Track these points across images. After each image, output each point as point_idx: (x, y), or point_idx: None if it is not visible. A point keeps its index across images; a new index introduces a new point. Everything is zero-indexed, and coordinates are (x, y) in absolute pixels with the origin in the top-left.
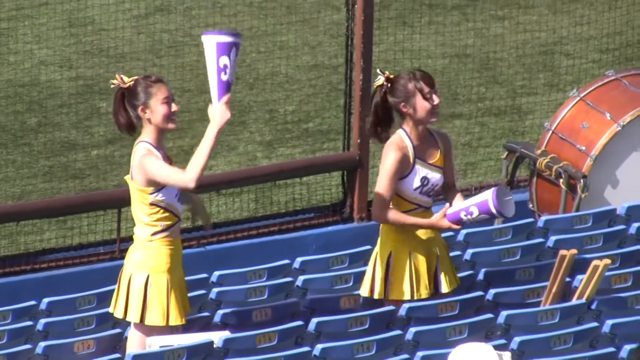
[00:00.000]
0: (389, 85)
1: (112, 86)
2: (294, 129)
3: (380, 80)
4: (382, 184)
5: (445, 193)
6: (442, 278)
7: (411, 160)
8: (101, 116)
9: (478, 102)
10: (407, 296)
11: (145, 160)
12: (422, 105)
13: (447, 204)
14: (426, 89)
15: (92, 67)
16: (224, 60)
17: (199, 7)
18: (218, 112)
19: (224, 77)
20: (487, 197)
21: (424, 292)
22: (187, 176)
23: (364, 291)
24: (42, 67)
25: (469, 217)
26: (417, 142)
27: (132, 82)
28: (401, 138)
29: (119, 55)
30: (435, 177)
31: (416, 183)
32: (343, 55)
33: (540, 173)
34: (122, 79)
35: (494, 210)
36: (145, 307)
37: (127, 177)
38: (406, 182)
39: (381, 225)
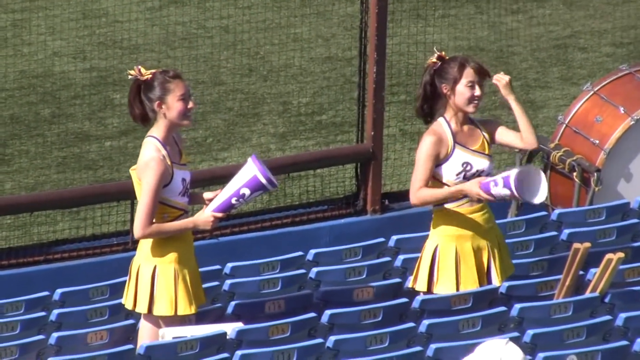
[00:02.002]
0: (440, 64)
1: (129, 77)
2: (307, 121)
3: (432, 58)
4: (416, 167)
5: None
6: (494, 271)
7: (450, 144)
8: (114, 107)
9: (492, 95)
10: (451, 291)
11: (146, 171)
12: (461, 92)
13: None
14: (470, 77)
15: (105, 59)
16: (246, 191)
17: (213, 0)
18: (203, 218)
19: (234, 201)
20: (511, 174)
21: (473, 287)
22: (140, 229)
23: (411, 282)
24: (55, 58)
25: (496, 188)
26: (457, 128)
27: (150, 76)
28: (439, 123)
29: (132, 47)
30: (480, 163)
31: (457, 168)
32: (357, 48)
33: (553, 166)
34: (139, 70)
35: (513, 189)
36: (152, 297)
37: (132, 169)
38: (447, 168)
39: (433, 216)
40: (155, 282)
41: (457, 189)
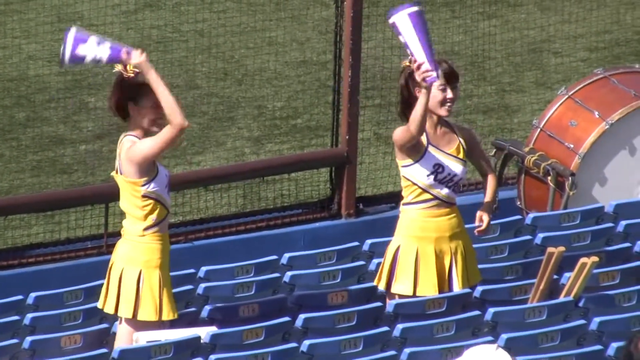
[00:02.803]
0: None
1: (114, 70)
2: (282, 125)
3: (405, 61)
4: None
5: (483, 182)
6: (455, 276)
7: (423, 143)
8: (89, 111)
9: (466, 99)
10: (408, 292)
11: (132, 150)
12: (433, 95)
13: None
14: (442, 80)
15: None
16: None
17: (188, 3)
18: (141, 62)
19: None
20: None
21: (430, 291)
22: (174, 122)
23: (375, 279)
24: (30, 61)
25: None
26: (431, 130)
27: (132, 75)
28: None
29: None
30: (453, 166)
31: (429, 169)
32: (332, 52)
33: (528, 170)
34: (126, 67)
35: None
36: (137, 302)
37: (113, 174)
38: (418, 168)
39: (400, 215)
40: (140, 286)
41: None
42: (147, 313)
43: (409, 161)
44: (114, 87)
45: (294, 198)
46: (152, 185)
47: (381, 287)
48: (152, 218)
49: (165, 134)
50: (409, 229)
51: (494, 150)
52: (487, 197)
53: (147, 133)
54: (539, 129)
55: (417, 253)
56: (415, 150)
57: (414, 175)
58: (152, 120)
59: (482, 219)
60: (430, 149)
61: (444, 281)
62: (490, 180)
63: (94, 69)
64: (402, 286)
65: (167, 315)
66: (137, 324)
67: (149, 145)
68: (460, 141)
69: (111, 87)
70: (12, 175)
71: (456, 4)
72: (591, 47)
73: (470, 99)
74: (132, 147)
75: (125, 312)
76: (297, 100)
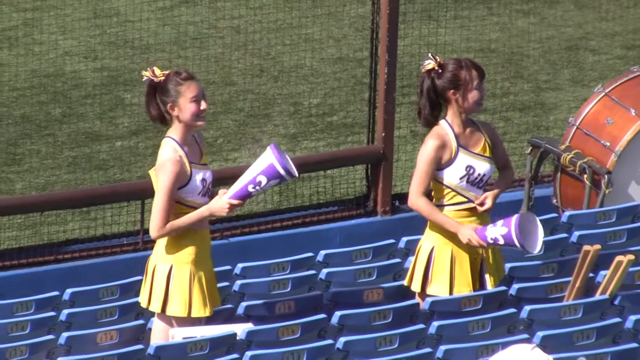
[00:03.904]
0: (442, 70)
1: (143, 79)
2: (318, 122)
3: (430, 64)
4: (418, 170)
5: (499, 176)
6: (487, 275)
7: (453, 148)
8: (125, 107)
9: (503, 96)
10: (444, 293)
11: (162, 171)
12: (472, 95)
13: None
14: (476, 80)
15: (116, 59)
16: (262, 179)
17: (225, 0)
18: (219, 203)
19: (250, 189)
20: (509, 225)
21: (465, 290)
22: (155, 229)
23: (406, 280)
24: (66, 57)
25: (493, 229)
26: (460, 130)
27: (163, 77)
28: (442, 127)
29: (143, 46)
30: (483, 166)
31: (461, 172)
32: (368, 49)
33: (564, 168)
34: (153, 72)
35: (513, 229)
36: (167, 297)
37: (151, 171)
38: (451, 171)
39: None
40: (170, 282)
41: (452, 225)
42: (175, 308)
43: (441, 166)
44: (150, 96)
45: (329, 195)
46: (182, 193)
47: (415, 288)
48: (181, 217)
49: (155, 214)
50: (444, 231)
51: (530, 148)
52: (499, 186)
53: (189, 129)
54: (575, 127)
55: (452, 254)
56: (446, 155)
57: (446, 178)
58: (195, 114)
59: (486, 201)
60: (461, 151)
61: (476, 280)
62: (509, 173)
63: (130, 65)
64: (438, 288)
65: (198, 312)
66: (169, 319)
67: (157, 194)
68: (486, 139)
69: (145, 97)
70: (48, 171)
71: (493, 2)
72: (628, 45)
73: (507, 97)
74: (164, 171)
75: (156, 306)
76: (333, 97)
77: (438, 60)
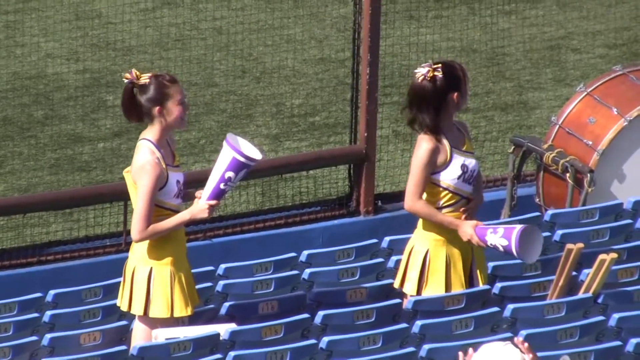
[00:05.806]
0: (443, 74)
1: (125, 80)
2: (300, 123)
3: (428, 71)
4: (413, 174)
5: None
6: (477, 273)
7: (448, 150)
8: (107, 109)
9: (485, 96)
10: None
11: (142, 174)
12: (464, 94)
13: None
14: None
15: (98, 60)
16: (230, 174)
17: (206, 1)
18: (198, 207)
19: (222, 187)
20: (513, 234)
21: (459, 289)
22: (137, 232)
23: (396, 283)
24: (48, 59)
25: (493, 236)
26: (449, 131)
27: (147, 80)
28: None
29: (125, 48)
30: (472, 162)
31: (457, 171)
32: (350, 49)
33: (546, 167)
34: (135, 74)
35: (513, 242)
36: (148, 299)
37: (126, 172)
38: (448, 172)
39: (420, 219)
40: (151, 284)
41: (452, 222)
42: (158, 310)
43: (437, 169)
44: (129, 98)
45: (312, 195)
46: (159, 195)
47: (410, 292)
48: (159, 218)
49: (136, 217)
50: (438, 232)
51: (513, 147)
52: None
53: (167, 131)
54: (557, 126)
55: (446, 256)
56: (442, 158)
57: (443, 180)
58: (181, 117)
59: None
60: (455, 152)
61: (467, 280)
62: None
63: (112, 67)
64: (434, 290)
65: (180, 311)
66: (151, 321)
67: (139, 198)
68: (465, 135)
69: (122, 98)
70: (31, 173)
71: (474, 2)
72: (610, 44)
73: (489, 96)
74: (143, 174)
75: (137, 309)
76: (316, 97)
77: (433, 65)
